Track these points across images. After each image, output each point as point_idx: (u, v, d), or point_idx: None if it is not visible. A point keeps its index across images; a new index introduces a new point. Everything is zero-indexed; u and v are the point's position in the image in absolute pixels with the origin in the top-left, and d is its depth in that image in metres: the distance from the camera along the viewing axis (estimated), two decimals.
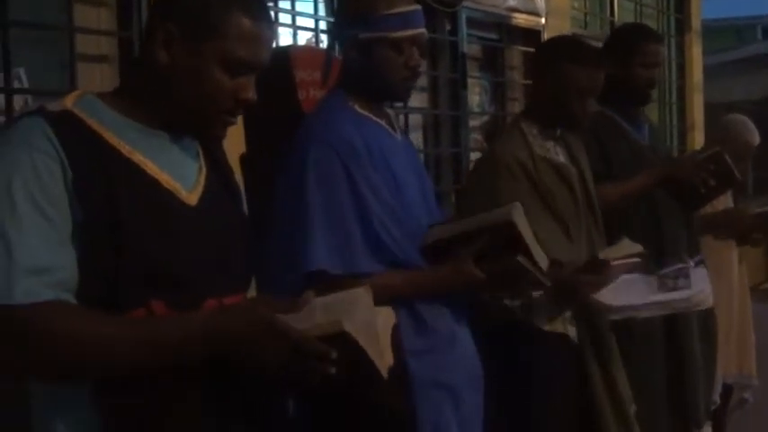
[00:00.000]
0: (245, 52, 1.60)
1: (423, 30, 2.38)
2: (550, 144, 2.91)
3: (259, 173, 2.43)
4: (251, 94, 1.64)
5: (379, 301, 1.74)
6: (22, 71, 2.75)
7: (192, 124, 1.64)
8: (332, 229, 2.20)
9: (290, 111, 2.61)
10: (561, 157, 2.94)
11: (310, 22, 3.83)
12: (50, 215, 1.45)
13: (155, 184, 1.58)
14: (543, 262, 2.34)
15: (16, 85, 2.70)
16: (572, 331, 2.80)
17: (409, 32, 2.33)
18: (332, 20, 3.91)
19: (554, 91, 2.85)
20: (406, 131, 2.51)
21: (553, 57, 2.90)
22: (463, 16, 4.69)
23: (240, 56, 1.60)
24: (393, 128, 2.45)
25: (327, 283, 1.98)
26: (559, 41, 3.21)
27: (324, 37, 3.92)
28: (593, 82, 2.85)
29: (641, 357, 3.20)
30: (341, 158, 2.23)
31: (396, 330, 2.12)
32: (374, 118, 2.38)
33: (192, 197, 1.63)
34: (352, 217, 2.22)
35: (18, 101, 2.69)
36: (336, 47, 2.52)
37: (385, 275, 2.21)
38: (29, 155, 1.46)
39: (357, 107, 2.36)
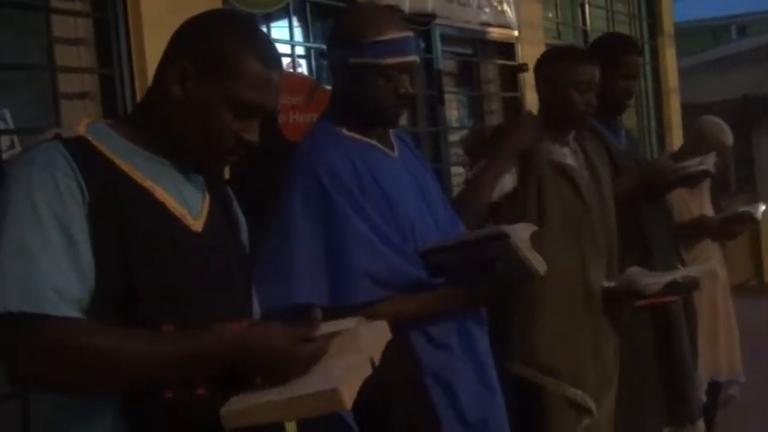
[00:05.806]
0: (255, 96, 1.64)
1: (413, 57, 2.37)
2: (555, 147, 3.03)
3: (239, 197, 2.51)
4: (254, 137, 1.68)
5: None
6: (6, 112, 2.81)
7: (193, 158, 1.69)
8: (315, 261, 2.20)
9: (270, 135, 2.66)
10: (569, 160, 3.06)
11: (287, 48, 3.90)
12: (73, 234, 1.50)
13: (164, 209, 1.63)
14: (542, 268, 2.33)
15: (1, 125, 2.76)
16: None
17: (399, 60, 2.31)
18: (308, 45, 3.99)
19: (556, 92, 3.03)
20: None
21: (546, 62, 3.11)
22: (437, 33, 4.76)
23: (250, 99, 1.64)
24: (391, 147, 2.42)
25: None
26: (548, 50, 3.37)
27: (301, 62, 3.99)
28: (589, 76, 3.04)
29: (631, 351, 3.21)
30: (325, 186, 2.23)
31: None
32: (365, 139, 2.36)
33: (197, 224, 1.67)
34: (337, 247, 2.21)
35: (4, 141, 2.76)
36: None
37: (393, 302, 2.22)
38: (51, 175, 1.51)
39: (344, 130, 2.35)
